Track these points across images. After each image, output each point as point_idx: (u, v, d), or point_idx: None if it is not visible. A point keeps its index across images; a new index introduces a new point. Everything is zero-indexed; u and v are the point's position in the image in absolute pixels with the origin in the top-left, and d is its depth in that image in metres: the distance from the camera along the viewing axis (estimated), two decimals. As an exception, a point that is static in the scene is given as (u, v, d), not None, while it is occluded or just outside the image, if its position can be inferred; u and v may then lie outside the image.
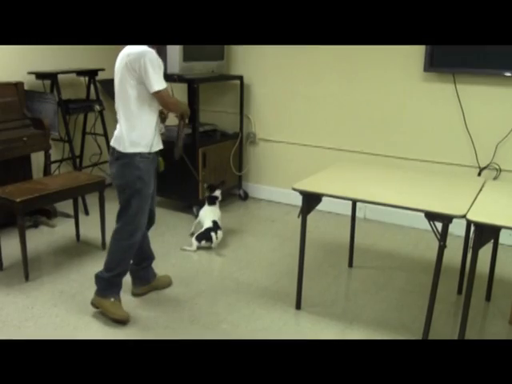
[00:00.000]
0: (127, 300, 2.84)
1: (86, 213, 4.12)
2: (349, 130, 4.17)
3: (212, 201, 3.70)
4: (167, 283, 3.05)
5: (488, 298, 2.97)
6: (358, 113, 4.10)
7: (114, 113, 2.62)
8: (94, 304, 2.72)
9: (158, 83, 2.44)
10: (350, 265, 3.37)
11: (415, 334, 2.59)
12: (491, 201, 2.49)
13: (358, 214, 3.51)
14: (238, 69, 4.55)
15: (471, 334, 2.57)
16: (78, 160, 4.39)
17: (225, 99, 4.68)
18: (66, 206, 3.85)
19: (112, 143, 2.59)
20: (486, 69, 3.52)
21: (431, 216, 2.33)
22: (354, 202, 3.20)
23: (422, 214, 2.35)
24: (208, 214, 3.65)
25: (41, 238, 3.69)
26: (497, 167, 3.68)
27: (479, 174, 3.71)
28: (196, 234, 3.59)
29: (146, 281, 2.95)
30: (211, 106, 4.69)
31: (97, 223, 3.52)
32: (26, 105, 3.83)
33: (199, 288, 3.06)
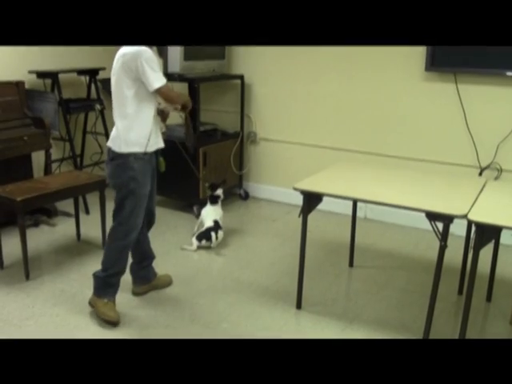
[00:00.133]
0: (128, 299, 2.85)
1: (87, 212, 4.12)
2: (350, 129, 4.16)
3: (214, 200, 3.70)
4: (168, 282, 3.05)
5: (489, 298, 2.96)
6: (359, 112, 4.10)
7: (114, 112, 2.62)
8: (90, 303, 2.72)
9: (158, 80, 2.43)
10: (351, 264, 3.37)
11: (416, 334, 2.59)
12: (492, 201, 2.48)
13: (359, 213, 3.51)
14: (238, 68, 4.54)
15: (472, 335, 2.56)
16: (78, 159, 4.39)
17: (225, 98, 4.68)
18: (66, 205, 3.86)
19: (108, 143, 2.59)
20: (488, 68, 3.51)
21: (432, 216, 2.32)
22: (355, 202, 3.20)
23: (423, 214, 2.35)
24: (210, 214, 3.65)
25: (41, 237, 3.69)
26: (498, 167, 3.67)
27: (480, 174, 3.71)
28: (196, 234, 3.59)
29: (147, 280, 2.95)
30: (212, 106, 4.69)
31: (97, 222, 3.51)
32: (27, 104, 3.84)
33: (200, 287, 3.06)
